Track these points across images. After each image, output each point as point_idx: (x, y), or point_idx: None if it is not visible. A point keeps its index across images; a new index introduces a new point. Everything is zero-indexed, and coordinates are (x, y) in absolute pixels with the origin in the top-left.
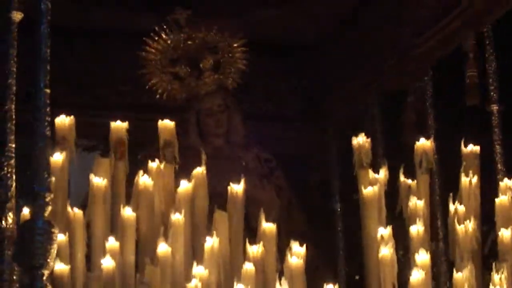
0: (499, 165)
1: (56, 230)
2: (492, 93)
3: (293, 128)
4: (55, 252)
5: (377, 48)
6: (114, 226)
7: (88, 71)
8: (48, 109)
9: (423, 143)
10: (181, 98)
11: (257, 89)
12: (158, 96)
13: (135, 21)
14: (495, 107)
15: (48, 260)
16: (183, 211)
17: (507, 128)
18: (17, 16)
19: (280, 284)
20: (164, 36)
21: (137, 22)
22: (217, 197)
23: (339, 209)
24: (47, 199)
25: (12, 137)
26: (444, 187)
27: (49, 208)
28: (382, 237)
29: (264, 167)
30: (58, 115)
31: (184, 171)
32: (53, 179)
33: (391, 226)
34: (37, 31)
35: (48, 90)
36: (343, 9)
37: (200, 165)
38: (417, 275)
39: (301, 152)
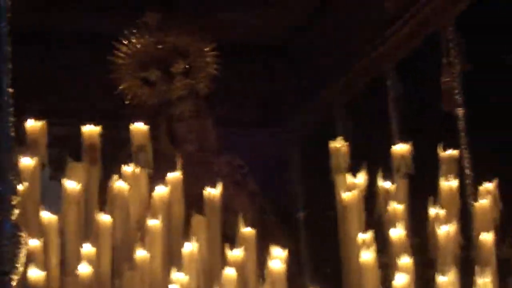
0: (467, 170)
1: (24, 234)
2: (457, 97)
3: (257, 134)
4: (24, 257)
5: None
6: (88, 232)
7: (53, 77)
8: (11, 109)
9: (401, 148)
10: (152, 104)
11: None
12: (127, 101)
13: (101, 25)
14: (460, 111)
15: (17, 265)
16: (160, 216)
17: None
18: None
19: None
20: (133, 39)
21: (103, 26)
22: (191, 202)
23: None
24: (13, 202)
25: None
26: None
27: (16, 211)
28: (363, 241)
29: (237, 173)
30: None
31: (156, 177)
32: (25, 184)
33: (372, 230)
34: None
35: (10, 90)
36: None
37: (172, 170)
38: (400, 279)
39: (267, 158)
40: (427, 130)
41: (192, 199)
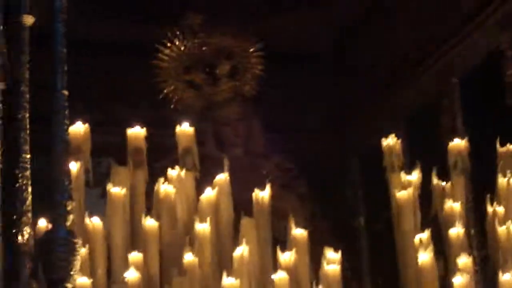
0: None
1: (79, 241)
2: None
3: (313, 139)
4: (79, 264)
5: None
6: (135, 237)
7: (97, 85)
8: (66, 112)
9: (458, 144)
10: (197, 107)
11: (274, 99)
12: (172, 105)
13: (139, 33)
14: None
15: (72, 272)
16: (208, 219)
17: None
18: (28, 20)
19: None
20: (177, 42)
21: (142, 34)
22: (240, 207)
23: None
24: (69, 208)
25: (27, 147)
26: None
27: (71, 217)
28: (421, 241)
29: (286, 176)
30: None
31: (203, 182)
32: None
33: (429, 229)
34: (52, 30)
35: (66, 92)
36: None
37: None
38: (460, 279)
39: (322, 164)
40: (485, 125)
41: (241, 204)
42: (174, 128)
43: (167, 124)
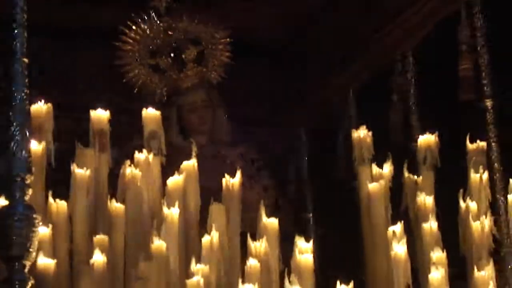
0: (496, 164)
1: (38, 216)
2: (485, 88)
3: (273, 131)
4: (37, 241)
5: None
6: (98, 219)
7: (58, 70)
8: (26, 80)
9: (427, 138)
10: (161, 93)
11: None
12: (135, 90)
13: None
14: (488, 102)
15: (30, 249)
16: (176, 204)
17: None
18: None
19: (290, 282)
20: (142, 25)
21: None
22: (205, 196)
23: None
24: (27, 181)
25: None
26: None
27: (30, 191)
28: (394, 233)
29: (251, 167)
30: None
31: (167, 170)
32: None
33: (402, 222)
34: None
35: (26, 60)
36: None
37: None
38: (436, 274)
39: (276, 155)
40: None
41: (205, 193)
42: (136, 114)
43: (129, 110)
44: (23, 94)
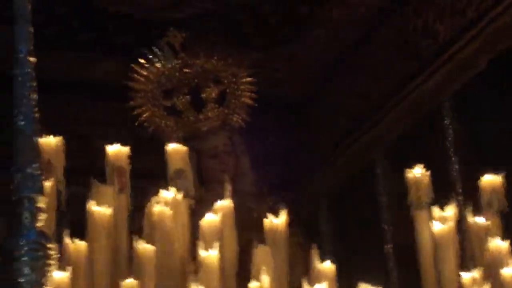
0: None
1: (53, 246)
2: None
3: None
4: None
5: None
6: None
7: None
8: (35, 84)
9: (492, 179)
10: (178, 137)
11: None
12: (149, 134)
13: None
14: None
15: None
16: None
17: None
18: None
19: None
20: (155, 63)
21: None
22: None
23: None
24: (40, 205)
25: None
26: None
27: (43, 215)
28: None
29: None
30: None
31: None
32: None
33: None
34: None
35: (32, 59)
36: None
37: None
38: None
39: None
40: None
41: None
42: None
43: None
44: (32, 101)
